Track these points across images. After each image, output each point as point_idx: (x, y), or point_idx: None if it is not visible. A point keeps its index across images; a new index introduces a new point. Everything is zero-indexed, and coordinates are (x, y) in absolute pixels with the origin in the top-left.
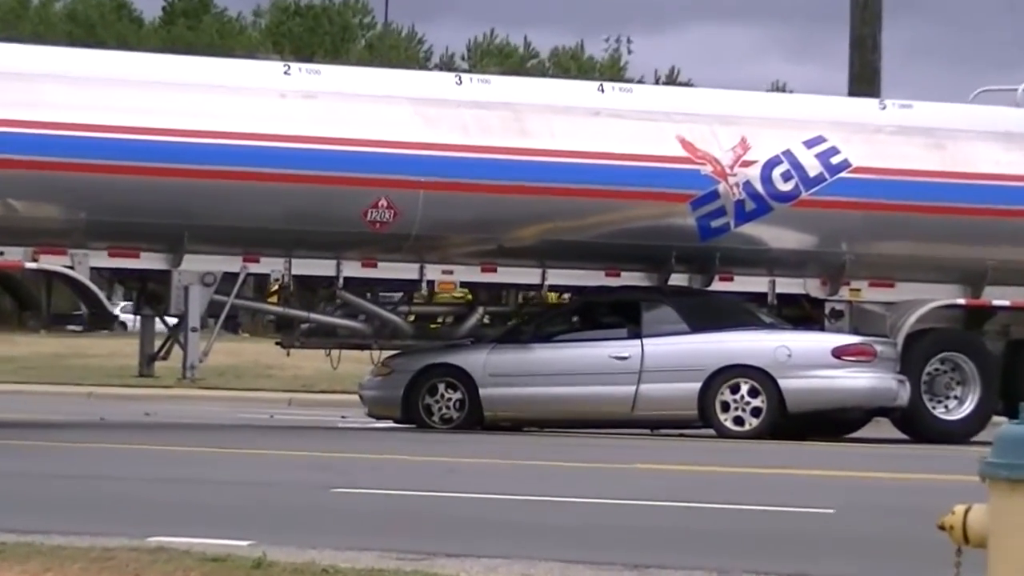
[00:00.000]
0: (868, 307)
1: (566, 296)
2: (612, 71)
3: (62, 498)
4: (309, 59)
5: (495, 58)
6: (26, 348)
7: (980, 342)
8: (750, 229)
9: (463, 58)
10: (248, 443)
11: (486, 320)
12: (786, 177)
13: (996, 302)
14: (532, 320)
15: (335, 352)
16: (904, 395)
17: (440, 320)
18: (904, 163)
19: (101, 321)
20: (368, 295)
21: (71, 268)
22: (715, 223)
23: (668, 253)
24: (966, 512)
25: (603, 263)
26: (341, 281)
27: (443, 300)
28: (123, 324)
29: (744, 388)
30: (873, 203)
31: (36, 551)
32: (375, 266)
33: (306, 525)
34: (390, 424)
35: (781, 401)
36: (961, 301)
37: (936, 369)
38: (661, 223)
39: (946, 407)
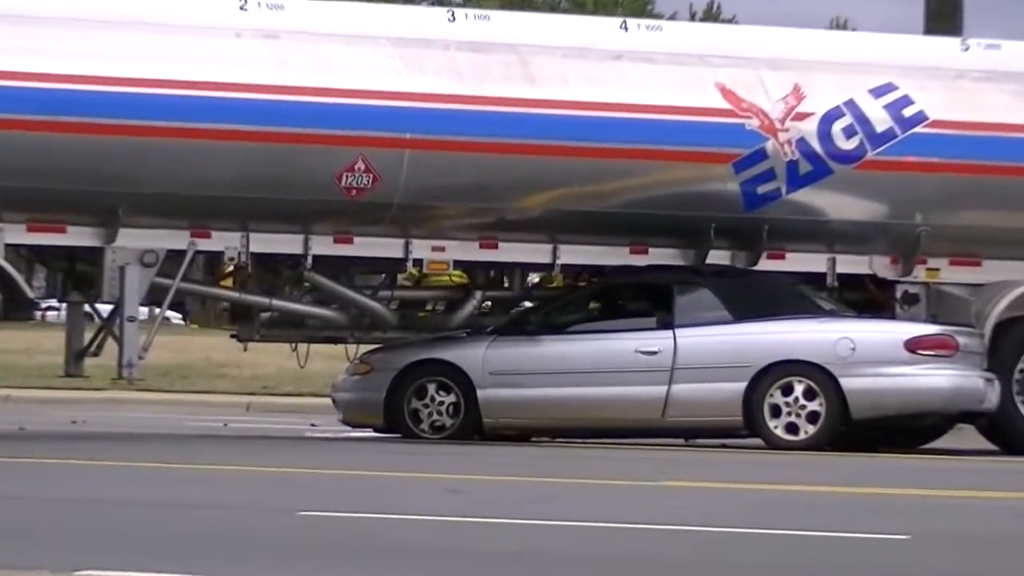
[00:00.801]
0: (948, 290)
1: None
2: (636, 5)
3: None
4: None
5: None
6: None
7: None
8: (805, 196)
9: None
10: (197, 457)
11: (486, 307)
12: (848, 133)
13: None
14: (541, 307)
15: (303, 347)
16: (992, 397)
17: (430, 307)
18: (991, 115)
19: (19, 309)
20: (343, 277)
21: None
22: (763, 189)
23: (706, 225)
24: None
25: (628, 237)
26: (310, 260)
27: (433, 283)
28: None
29: (798, 389)
30: (954, 164)
31: None
32: (351, 242)
33: (267, 554)
34: (369, 433)
35: (843, 404)
36: None
37: None
38: (697, 189)
39: None
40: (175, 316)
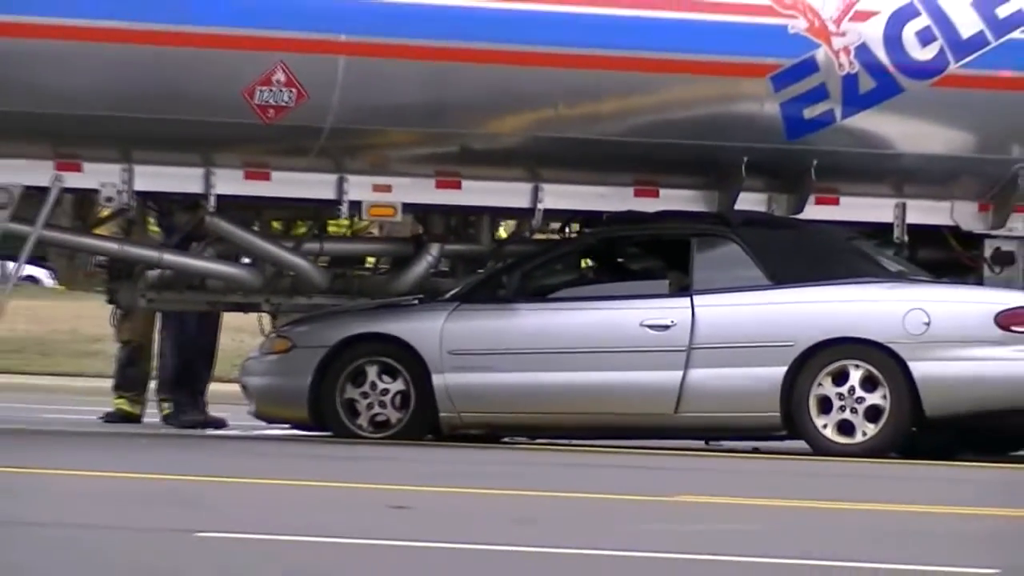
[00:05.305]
0: None
1: (571, 228)
2: None
3: None
4: None
5: None
6: None
7: None
8: (867, 121)
9: None
10: (61, 460)
11: (444, 265)
12: (925, 38)
13: None
14: (518, 266)
15: None
16: None
17: (371, 265)
18: None
19: None
20: (256, 224)
21: None
22: (811, 111)
23: (736, 159)
24: None
25: (632, 174)
26: (212, 202)
27: (374, 234)
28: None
29: (855, 376)
30: None
31: None
32: (267, 178)
33: None
34: (289, 430)
35: (914, 397)
36: None
37: None
38: (724, 111)
39: None
40: (40, 274)
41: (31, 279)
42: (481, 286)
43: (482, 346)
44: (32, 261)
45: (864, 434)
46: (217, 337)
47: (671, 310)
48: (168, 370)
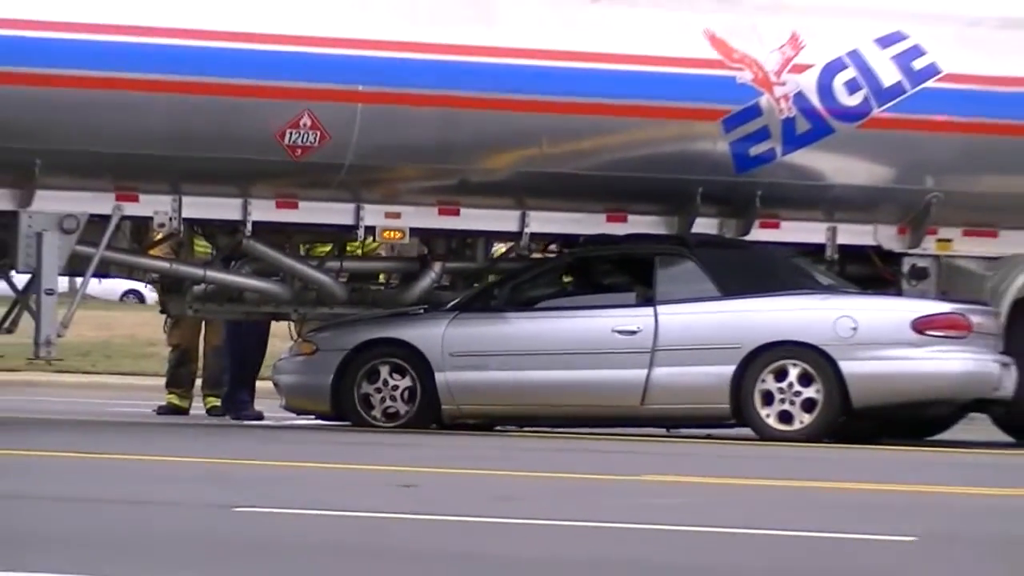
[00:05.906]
0: (962, 264)
1: (553, 248)
2: None
3: None
4: None
5: None
6: None
7: None
8: (803, 157)
9: None
10: (121, 446)
11: (445, 280)
12: (852, 87)
13: None
14: (507, 281)
15: None
16: (1008, 383)
17: (383, 280)
18: (1013, 68)
19: None
20: (286, 246)
21: None
22: (755, 149)
23: (692, 190)
24: None
25: (604, 203)
26: (249, 227)
27: (387, 253)
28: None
29: (793, 373)
30: (970, 123)
31: None
32: (295, 207)
33: (197, 557)
34: (314, 421)
35: (843, 391)
36: None
37: None
38: (683, 149)
39: None
40: (144, 290)
41: (136, 294)
42: (477, 298)
43: (478, 348)
44: (99, 276)
45: (801, 423)
46: (266, 346)
47: (637, 318)
48: (229, 373)
